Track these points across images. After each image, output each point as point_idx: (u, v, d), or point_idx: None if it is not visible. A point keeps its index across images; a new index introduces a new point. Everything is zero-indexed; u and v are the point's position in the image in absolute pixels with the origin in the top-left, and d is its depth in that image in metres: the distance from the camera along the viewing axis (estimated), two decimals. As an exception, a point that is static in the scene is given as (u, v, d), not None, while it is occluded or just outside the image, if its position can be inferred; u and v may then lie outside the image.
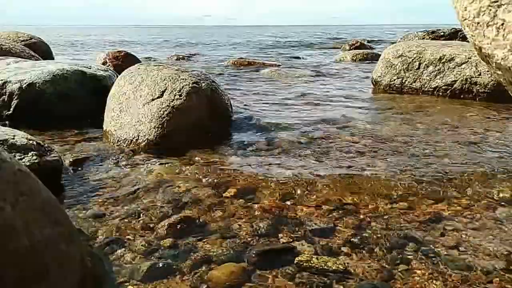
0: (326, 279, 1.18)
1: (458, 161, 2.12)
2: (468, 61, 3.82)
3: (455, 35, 8.07)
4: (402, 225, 1.48)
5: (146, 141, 2.43)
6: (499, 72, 1.39)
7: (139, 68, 2.83)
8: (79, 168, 2.09)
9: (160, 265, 1.26)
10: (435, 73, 4.00)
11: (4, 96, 2.97)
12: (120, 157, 2.27)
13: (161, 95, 2.52)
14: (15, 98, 2.96)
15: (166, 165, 2.13)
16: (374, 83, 4.52)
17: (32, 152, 1.83)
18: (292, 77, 5.64)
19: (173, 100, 2.49)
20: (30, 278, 0.86)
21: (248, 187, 1.85)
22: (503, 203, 1.63)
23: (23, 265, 0.85)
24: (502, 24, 1.24)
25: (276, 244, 1.38)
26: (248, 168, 2.08)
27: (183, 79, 2.61)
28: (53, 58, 6.62)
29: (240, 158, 2.23)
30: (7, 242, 0.82)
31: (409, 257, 1.28)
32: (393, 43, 5.79)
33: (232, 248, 1.35)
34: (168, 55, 9.26)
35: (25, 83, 2.99)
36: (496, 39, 1.27)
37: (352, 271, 1.21)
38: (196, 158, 2.23)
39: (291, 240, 1.40)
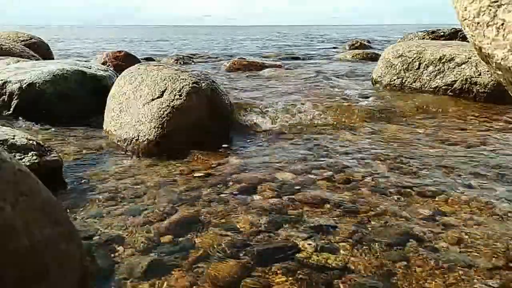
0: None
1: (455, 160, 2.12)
2: (468, 61, 3.82)
3: (455, 35, 8.06)
4: (401, 221, 1.48)
5: (146, 141, 2.43)
6: (499, 72, 1.39)
7: (139, 68, 2.83)
8: (79, 168, 2.09)
9: (160, 262, 1.26)
10: (435, 73, 4.00)
11: (4, 96, 2.97)
12: (120, 157, 2.27)
13: (161, 95, 2.52)
14: (15, 98, 2.96)
15: (166, 164, 2.13)
16: (374, 83, 4.52)
17: (32, 152, 1.83)
18: (292, 77, 5.64)
19: (173, 100, 2.49)
20: (30, 278, 0.86)
21: (249, 186, 1.85)
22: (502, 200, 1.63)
23: (23, 265, 0.85)
24: (502, 24, 1.24)
25: (277, 241, 1.38)
26: (249, 167, 2.08)
27: (183, 79, 2.61)
28: (53, 58, 6.62)
29: (240, 157, 2.23)
30: (7, 242, 0.82)
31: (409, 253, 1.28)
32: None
33: (232, 245, 1.35)
34: (168, 55, 9.27)
35: (25, 83, 2.99)
36: (496, 39, 1.27)
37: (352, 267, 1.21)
38: (196, 158, 2.23)
39: (292, 237, 1.40)
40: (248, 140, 2.57)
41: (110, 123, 2.68)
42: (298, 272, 1.21)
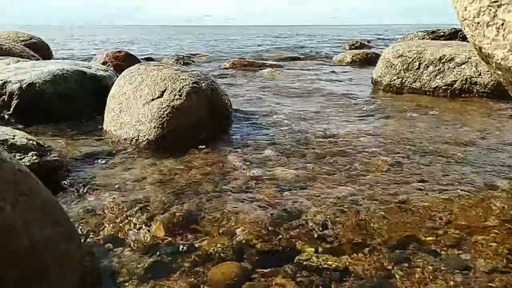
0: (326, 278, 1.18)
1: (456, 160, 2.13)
2: (468, 61, 3.83)
3: (455, 35, 8.07)
4: (403, 220, 1.48)
5: (146, 141, 2.43)
6: (499, 72, 1.39)
7: (139, 68, 2.83)
8: (79, 168, 2.09)
9: (160, 263, 1.26)
10: (435, 73, 4.00)
11: (4, 96, 2.97)
12: (120, 156, 2.27)
13: (161, 95, 2.52)
14: (15, 98, 2.96)
15: (166, 164, 2.13)
16: (374, 83, 4.52)
17: (32, 152, 1.83)
18: (291, 76, 5.65)
19: (173, 100, 2.49)
20: (30, 278, 0.86)
21: (248, 185, 1.85)
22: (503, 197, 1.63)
23: (23, 265, 0.85)
24: (502, 24, 1.24)
25: (277, 242, 1.38)
26: (249, 166, 2.08)
27: (183, 79, 2.61)
28: (53, 58, 6.62)
29: (240, 157, 2.23)
30: (7, 242, 0.82)
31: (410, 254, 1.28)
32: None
33: (232, 246, 1.35)
34: (168, 55, 9.27)
35: (25, 83, 2.99)
36: (496, 39, 1.27)
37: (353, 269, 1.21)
38: (196, 158, 2.23)
39: (292, 237, 1.40)
40: (249, 140, 2.57)
41: (110, 123, 2.68)
42: (298, 274, 1.21)
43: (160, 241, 1.39)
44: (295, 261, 1.27)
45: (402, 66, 4.20)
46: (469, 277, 1.17)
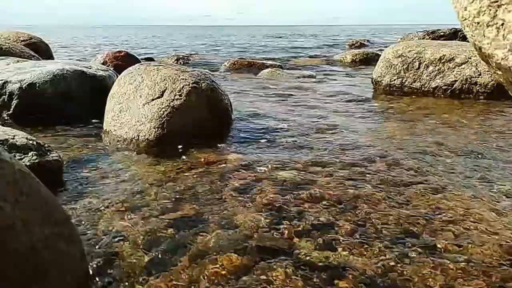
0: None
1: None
2: (468, 61, 3.82)
3: (455, 35, 8.08)
4: (402, 219, 1.48)
5: (146, 141, 2.43)
6: (499, 72, 1.39)
7: (139, 68, 2.83)
8: (79, 168, 2.09)
9: (161, 259, 1.26)
10: (435, 73, 4.00)
11: (4, 96, 2.97)
12: (120, 156, 2.27)
13: (161, 95, 2.52)
14: (15, 98, 2.96)
15: (166, 164, 2.13)
16: (374, 83, 4.52)
17: (32, 152, 1.83)
18: (292, 77, 5.65)
19: (173, 100, 2.49)
20: (30, 278, 0.86)
21: (248, 183, 1.85)
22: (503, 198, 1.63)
23: (23, 265, 0.85)
24: (502, 24, 1.24)
25: (276, 238, 1.38)
26: (248, 165, 2.08)
27: (183, 79, 2.61)
28: (52, 58, 6.62)
29: (240, 157, 2.23)
30: (7, 242, 0.82)
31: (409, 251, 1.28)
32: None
33: (232, 243, 1.35)
34: (168, 54, 9.27)
35: (25, 83, 2.99)
36: (496, 39, 1.27)
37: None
38: (196, 157, 2.23)
39: (291, 235, 1.40)
40: (248, 139, 2.57)
41: (110, 123, 2.68)
42: (298, 269, 1.21)
43: (160, 238, 1.39)
44: (294, 257, 1.27)
45: (402, 66, 4.20)
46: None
